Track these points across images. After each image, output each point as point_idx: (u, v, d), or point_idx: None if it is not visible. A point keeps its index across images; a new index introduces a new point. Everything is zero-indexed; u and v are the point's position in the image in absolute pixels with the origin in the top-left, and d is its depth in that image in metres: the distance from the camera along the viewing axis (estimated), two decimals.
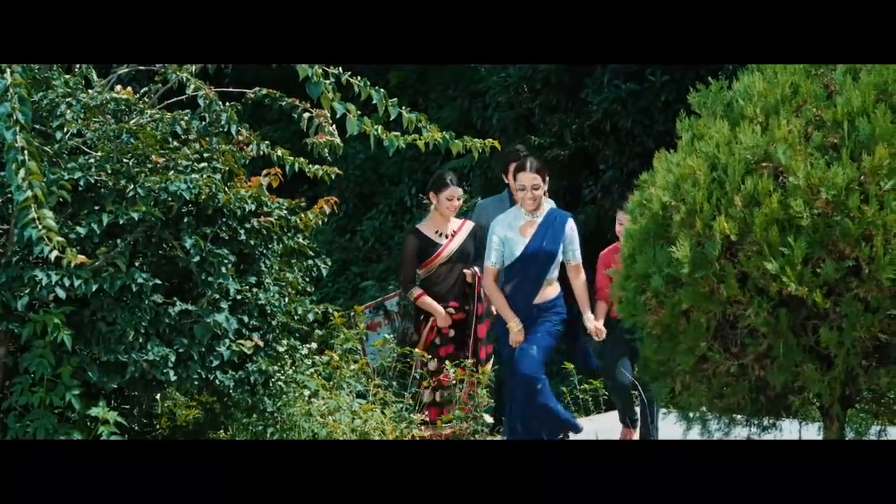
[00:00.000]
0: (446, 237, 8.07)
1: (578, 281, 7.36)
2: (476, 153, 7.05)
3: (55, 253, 5.18)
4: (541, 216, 7.20)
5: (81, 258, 5.34)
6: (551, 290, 7.28)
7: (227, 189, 6.50)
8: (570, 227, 7.33)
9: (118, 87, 6.84)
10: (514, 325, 7.04)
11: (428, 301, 8.21)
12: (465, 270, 8.03)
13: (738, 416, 5.78)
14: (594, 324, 7.30)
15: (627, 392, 7.50)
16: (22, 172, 5.21)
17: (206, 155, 6.73)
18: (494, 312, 7.87)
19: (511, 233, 7.14)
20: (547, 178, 7.35)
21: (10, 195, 5.64)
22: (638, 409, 7.65)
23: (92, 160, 6.32)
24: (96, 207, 6.10)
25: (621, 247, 5.72)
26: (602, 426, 7.90)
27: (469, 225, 8.17)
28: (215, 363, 6.36)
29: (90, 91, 6.62)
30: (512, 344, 7.05)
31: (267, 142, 7.24)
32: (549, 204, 7.28)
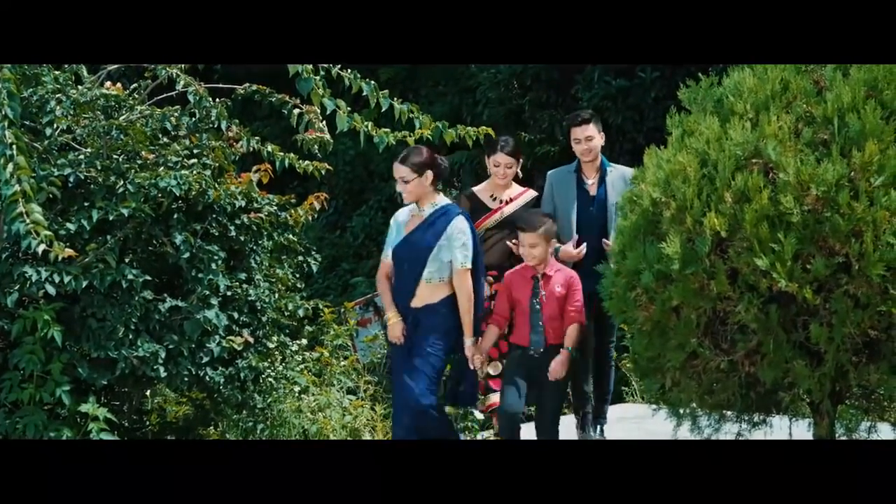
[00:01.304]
0: (501, 202, 7.38)
1: (461, 291, 6.29)
2: (470, 141, 7.07)
3: (42, 247, 5.17)
4: (428, 211, 6.36)
5: (69, 252, 5.33)
6: (433, 295, 6.29)
7: (217, 185, 6.50)
8: (457, 225, 6.31)
9: (108, 84, 6.83)
10: (391, 317, 6.30)
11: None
12: (508, 242, 7.15)
13: (729, 413, 5.78)
14: (473, 350, 6.32)
15: (511, 422, 6.23)
16: (10, 167, 5.21)
17: (196, 151, 6.72)
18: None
19: (399, 225, 6.46)
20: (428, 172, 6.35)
21: None
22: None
23: (82, 156, 6.31)
24: (86, 204, 6.09)
25: (613, 243, 5.71)
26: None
27: (530, 194, 7.42)
28: (205, 359, 6.36)
29: (80, 87, 6.61)
30: (390, 338, 6.34)
31: (257, 138, 7.24)
32: (444, 200, 6.46)
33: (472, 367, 6.38)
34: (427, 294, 6.27)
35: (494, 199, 7.37)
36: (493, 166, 7.23)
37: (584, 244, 6.89)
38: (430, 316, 6.26)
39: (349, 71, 6.62)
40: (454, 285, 6.28)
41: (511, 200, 7.32)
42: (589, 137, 7.00)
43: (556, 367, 6.14)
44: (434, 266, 6.26)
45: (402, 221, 6.43)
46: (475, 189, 7.54)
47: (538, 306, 6.23)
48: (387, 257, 6.43)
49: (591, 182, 7.10)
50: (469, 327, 6.30)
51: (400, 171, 6.26)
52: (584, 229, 7.01)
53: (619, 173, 7.05)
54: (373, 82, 6.67)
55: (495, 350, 6.90)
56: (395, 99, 6.79)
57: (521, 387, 6.22)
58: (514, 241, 6.87)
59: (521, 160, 7.32)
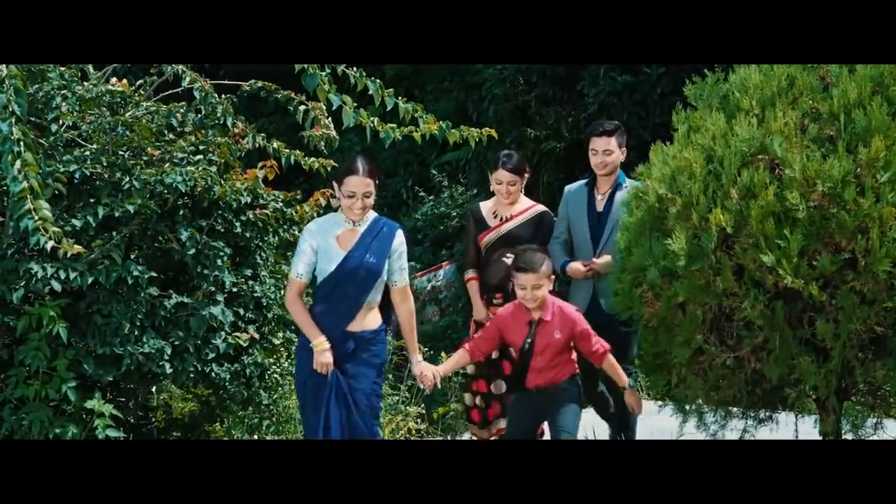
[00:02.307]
0: (501, 219, 7.01)
1: (405, 307, 5.81)
2: (473, 142, 7.04)
3: (51, 243, 5.17)
4: (364, 225, 5.69)
5: (78, 248, 5.34)
6: (372, 319, 5.69)
7: (222, 181, 6.50)
8: (400, 240, 5.78)
9: (113, 80, 6.83)
10: (319, 343, 5.48)
11: (471, 288, 7.21)
12: (504, 258, 6.83)
13: (734, 409, 5.78)
14: (425, 368, 5.75)
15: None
16: (18, 164, 5.21)
17: (201, 147, 6.72)
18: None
19: (327, 242, 5.62)
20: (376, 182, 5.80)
21: (5, 187, 5.64)
22: None
23: (87, 153, 6.31)
24: (92, 200, 6.10)
25: (619, 241, 5.70)
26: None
27: (536, 210, 7.01)
28: (211, 356, 6.36)
29: (86, 83, 6.61)
30: (317, 367, 5.50)
31: (263, 134, 7.24)
32: (372, 214, 5.78)
33: (420, 387, 5.91)
34: (366, 318, 5.65)
35: (496, 216, 7.08)
36: (495, 184, 6.98)
37: (607, 256, 6.51)
38: (371, 343, 5.66)
39: (355, 69, 6.62)
40: (395, 301, 5.79)
41: (512, 217, 7.01)
42: (608, 151, 6.67)
43: (635, 405, 5.87)
44: (378, 287, 5.69)
45: (331, 234, 5.64)
46: (481, 204, 7.26)
47: (533, 353, 5.75)
48: (300, 277, 5.62)
49: (601, 197, 6.80)
50: (415, 345, 5.87)
51: (367, 185, 5.63)
52: (584, 246, 6.81)
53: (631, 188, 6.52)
54: (378, 81, 6.67)
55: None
56: (400, 98, 6.79)
57: (532, 423, 5.95)
58: (508, 255, 6.64)
59: (526, 175, 7.01)
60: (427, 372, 5.67)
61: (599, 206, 6.76)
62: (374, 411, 5.69)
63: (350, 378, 5.57)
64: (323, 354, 5.48)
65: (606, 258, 6.47)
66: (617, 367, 5.77)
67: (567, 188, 7.04)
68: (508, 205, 7.01)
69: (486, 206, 7.16)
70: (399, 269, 5.75)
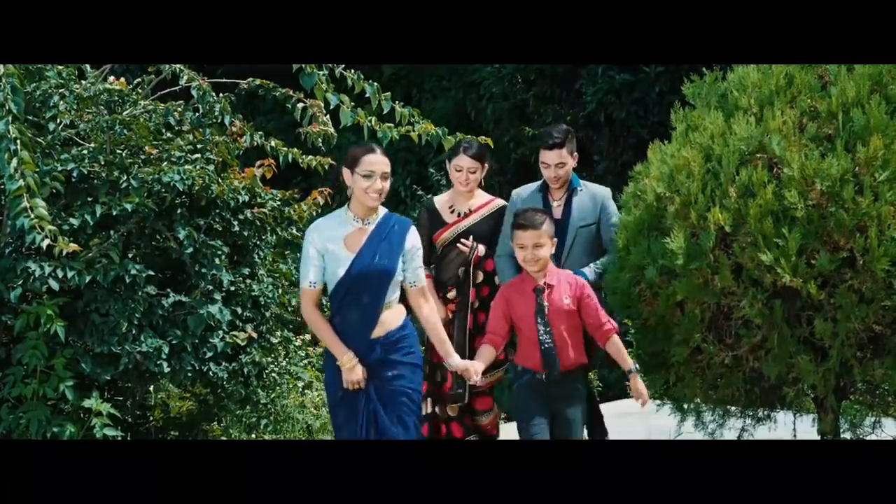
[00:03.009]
0: (459, 215, 6.50)
1: (426, 310, 5.32)
2: None
3: (47, 241, 5.17)
4: (373, 223, 5.20)
5: (73, 246, 5.33)
6: (394, 317, 5.20)
7: (220, 180, 6.49)
8: (414, 237, 5.29)
9: (111, 79, 6.82)
10: (347, 361, 5.03)
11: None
12: (459, 244, 6.39)
13: (733, 408, 5.78)
14: (463, 363, 5.32)
15: None
16: (14, 162, 5.21)
17: (199, 146, 6.72)
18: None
19: (334, 244, 5.14)
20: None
21: (1, 186, 5.63)
22: None
23: (85, 151, 6.30)
24: (89, 199, 6.09)
25: (617, 239, 5.69)
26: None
27: (496, 204, 6.50)
28: (209, 355, 6.35)
29: (83, 82, 6.60)
30: (347, 385, 5.06)
31: (261, 132, 7.23)
32: (383, 210, 5.31)
33: (471, 382, 5.43)
34: (389, 318, 5.18)
35: (453, 210, 6.54)
36: (454, 171, 6.43)
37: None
38: (399, 342, 5.18)
39: (352, 71, 6.61)
40: (414, 305, 5.30)
41: (471, 213, 6.48)
42: (560, 164, 6.08)
43: (642, 391, 5.29)
44: (395, 288, 5.20)
45: (338, 237, 5.16)
46: (436, 199, 6.72)
47: (546, 325, 5.28)
48: (314, 285, 5.14)
49: (557, 204, 6.18)
50: (447, 346, 5.35)
51: (387, 164, 5.22)
52: None
53: (588, 194, 6.18)
54: (375, 84, 6.67)
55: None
56: (397, 102, 6.78)
57: (543, 418, 5.29)
58: (463, 242, 6.32)
59: (486, 166, 6.48)
60: (469, 367, 5.23)
61: (556, 213, 6.12)
62: (414, 411, 5.22)
63: (385, 383, 5.11)
64: (352, 372, 5.05)
65: None
66: (622, 349, 5.32)
67: (516, 193, 6.39)
68: (466, 196, 6.47)
69: (441, 201, 6.65)
70: (414, 269, 5.26)
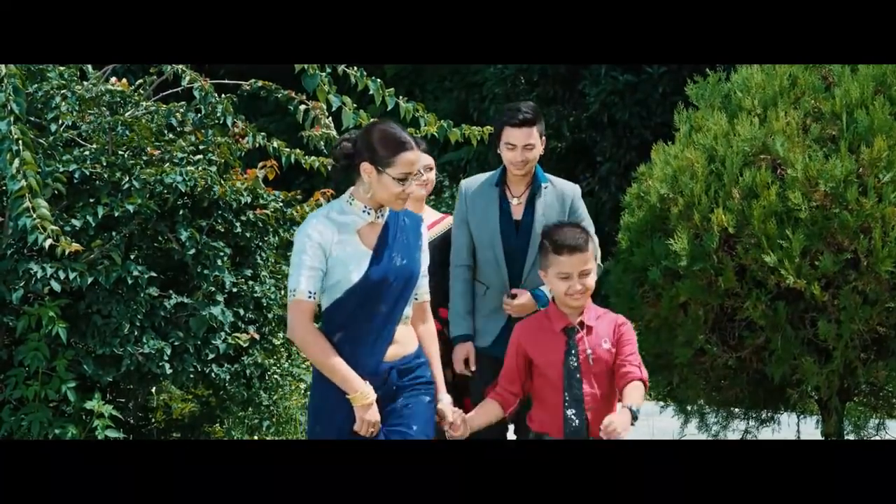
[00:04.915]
0: None
1: (426, 330, 4.23)
2: (474, 141, 7.00)
3: (49, 241, 5.16)
4: (384, 215, 4.08)
5: (76, 246, 5.32)
6: (409, 337, 4.13)
7: (222, 181, 6.48)
8: (423, 234, 4.25)
9: (113, 80, 6.81)
10: (363, 396, 3.89)
11: None
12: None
13: (736, 410, 5.78)
14: (452, 413, 4.16)
15: None
16: (16, 162, 5.19)
17: (201, 147, 6.70)
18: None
19: (346, 240, 3.99)
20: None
21: (3, 187, 5.62)
22: None
23: (87, 152, 6.29)
24: (91, 200, 6.08)
25: (620, 241, 5.68)
26: None
27: (448, 223, 5.36)
28: (211, 356, 6.34)
29: (85, 83, 6.59)
30: (361, 430, 3.94)
31: (263, 133, 7.21)
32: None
33: (454, 436, 4.18)
34: (403, 339, 4.09)
35: None
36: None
37: (525, 293, 4.92)
38: (414, 370, 4.11)
39: (355, 69, 6.60)
40: (414, 323, 4.17)
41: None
42: (529, 146, 4.94)
43: (617, 425, 3.84)
44: (412, 297, 4.16)
45: (349, 229, 4.02)
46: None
47: (578, 381, 4.03)
48: (312, 295, 3.93)
49: (517, 202, 5.04)
50: (440, 377, 4.23)
51: (423, 159, 4.44)
52: (494, 269, 5.03)
53: (556, 192, 5.04)
54: (378, 80, 6.65)
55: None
56: (401, 98, 6.77)
57: None
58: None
59: (434, 169, 5.43)
60: (458, 420, 4.13)
61: (516, 214, 5.03)
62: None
63: (402, 419, 4.04)
64: (368, 411, 3.91)
65: (523, 299, 4.90)
66: (642, 396, 4.01)
67: (465, 185, 5.22)
68: (415, 208, 4.88)
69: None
70: (422, 275, 4.18)
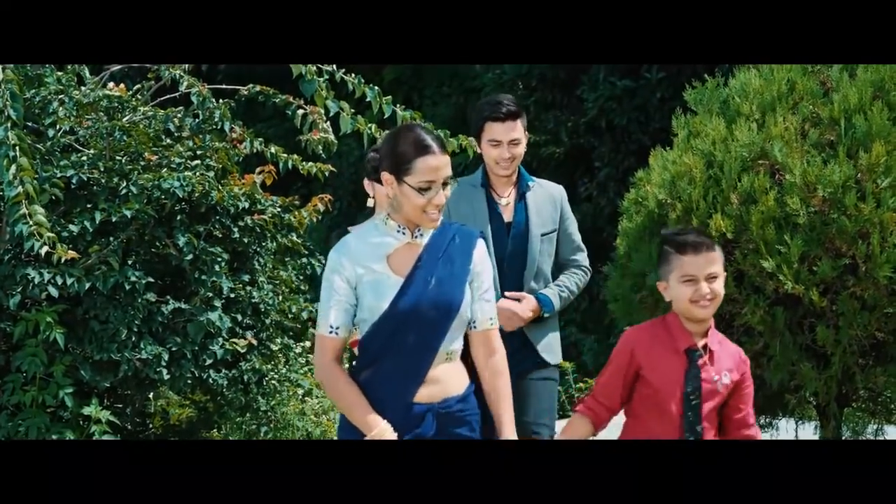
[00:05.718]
0: None
1: (489, 365, 3.66)
2: (471, 151, 6.99)
3: (45, 248, 5.15)
4: (426, 235, 3.59)
5: (72, 253, 5.31)
6: (455, 376, 3.61)
7: (220, 187, 6.48)
8: (481, 254, 3.67)
9: (111, 85, 6.81)
10: (379, 434, 3.50)
11: None
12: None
13: None
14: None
15: None
16: (13, 168, 5.19)
17: (199, 152, 6.71)
18: None
19: (374, 266, 3.52)
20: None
21: (0, 192, 5.61)
22: None
23: (84, 158, 6.29)
24: (89, 205, 6.08)
25: (618, 246, 5.67)
26: None
27: None
28: (208, 362, 6.33)
29: (83, 88, 6.60)
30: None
31: (260, 139, 7.22)
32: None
33: None
34: (446, 378, 3.57)
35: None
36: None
37: (529, 297, 4.56)
38: (459, 416, 3.64)
39: (353, 75, 6.60)
40: (474, 355, 3.65)
41: None
42: (515, 141, 4.58)
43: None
44: (459, 329, 3.59)
45: (379, 255, 3.53)
46: (352, 230, 4.38)
47: (697, 409, 3.61)
48: (337, 331, 3.52)
49: (506, 202, 4.67)
50: (508, 419, 3.70)
51: (448, 164, 3.55)
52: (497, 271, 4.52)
53: (545, 192, 4.71)
54: (376, 88, 6.65)
55: None
56: (398, 106, 6.77)
57: None
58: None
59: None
60: None
61: (507, 215, 4.66)
62: None
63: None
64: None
65: (527, 303, 4.55)
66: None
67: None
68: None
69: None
70: (479, 299, 3.62)
